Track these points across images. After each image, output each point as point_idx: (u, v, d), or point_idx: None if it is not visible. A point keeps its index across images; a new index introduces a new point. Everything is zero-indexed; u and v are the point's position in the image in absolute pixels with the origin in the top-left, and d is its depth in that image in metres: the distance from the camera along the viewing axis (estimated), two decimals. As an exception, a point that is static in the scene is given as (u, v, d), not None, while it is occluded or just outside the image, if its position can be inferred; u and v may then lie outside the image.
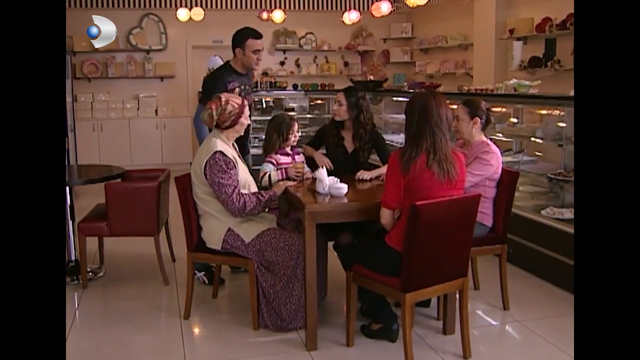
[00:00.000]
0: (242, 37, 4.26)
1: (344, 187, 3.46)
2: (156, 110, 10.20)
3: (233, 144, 3.71)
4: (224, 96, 3.59)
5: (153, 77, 10.28)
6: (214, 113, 3.52)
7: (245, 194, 3.48)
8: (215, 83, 4.26)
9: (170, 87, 10.37)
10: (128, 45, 10.11)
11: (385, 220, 3.14)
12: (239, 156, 3.70)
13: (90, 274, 4.59)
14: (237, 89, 4.24)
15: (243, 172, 3.61)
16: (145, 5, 10.01)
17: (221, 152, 3.45)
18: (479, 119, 3.87)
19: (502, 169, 3.87)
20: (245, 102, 3.64)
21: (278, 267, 3.49)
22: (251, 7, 10.27)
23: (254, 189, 3.68)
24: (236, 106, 3.55)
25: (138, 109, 10.12)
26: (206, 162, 3.44)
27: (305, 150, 4.34)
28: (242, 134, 3.71)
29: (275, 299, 3.49)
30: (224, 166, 3.42)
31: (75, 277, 4.49)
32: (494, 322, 3.83)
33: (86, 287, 4.35)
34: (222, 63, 4.97)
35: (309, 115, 9.22)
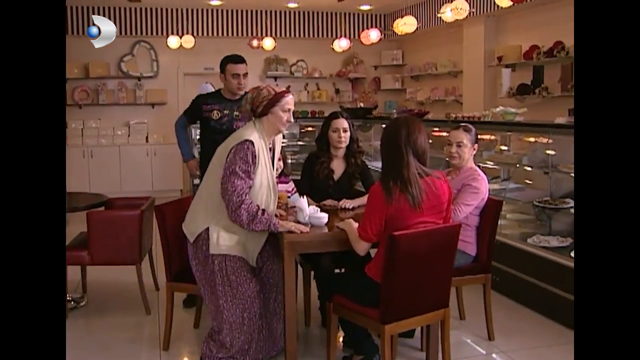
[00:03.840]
0: (223, 63, 4.45)
1: (324, 217, 3.42)
2: (147, 137, 10.19)
3: (273, 143, 3.50)
4: (265, 84, 3.46)
5: (144, 104, 10.29)
6: (249, 96, 3.35)
7: (251, 202, 3.17)
8: (194, 101, 4.60)
9: (161, 114, 10.35)
10: (119, 72, 10.14)
11: (362, 252, 3.12)
12: (271, 158, 3.45)
13: (72, 303, 4.54)
14: (215, 112, 4.42)
15: (263, 175, 3.28)
16: (136, 33, 10.06)
17: (251, 141, 3.19)
18: (476, 145, 3.90)
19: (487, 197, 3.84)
20: (289, 94, 3.39)
21: (218, 298, 3.28)
22: (242, 34, 10.32)
23: (267, 196, 3.33)
24: (272, 92, 3.32)
25: (129, 135, 10.13)
26: (232, 147, 3.20)
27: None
28: (283, 131, 3.48)
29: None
30: (246, 157, 3.16)
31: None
32: (478, 353, 3.77)
33: (67, 318, 4.28)
34: (212, 90, 5.31)
35: (299, 143, 9.23)
